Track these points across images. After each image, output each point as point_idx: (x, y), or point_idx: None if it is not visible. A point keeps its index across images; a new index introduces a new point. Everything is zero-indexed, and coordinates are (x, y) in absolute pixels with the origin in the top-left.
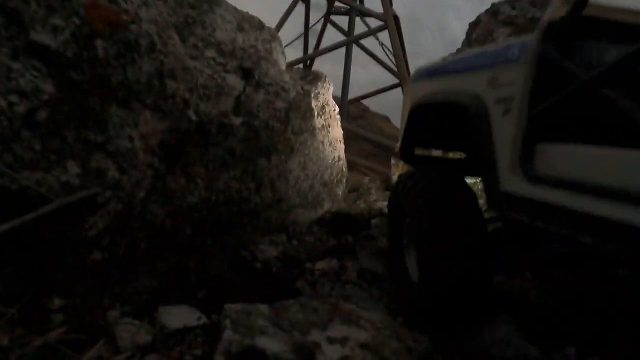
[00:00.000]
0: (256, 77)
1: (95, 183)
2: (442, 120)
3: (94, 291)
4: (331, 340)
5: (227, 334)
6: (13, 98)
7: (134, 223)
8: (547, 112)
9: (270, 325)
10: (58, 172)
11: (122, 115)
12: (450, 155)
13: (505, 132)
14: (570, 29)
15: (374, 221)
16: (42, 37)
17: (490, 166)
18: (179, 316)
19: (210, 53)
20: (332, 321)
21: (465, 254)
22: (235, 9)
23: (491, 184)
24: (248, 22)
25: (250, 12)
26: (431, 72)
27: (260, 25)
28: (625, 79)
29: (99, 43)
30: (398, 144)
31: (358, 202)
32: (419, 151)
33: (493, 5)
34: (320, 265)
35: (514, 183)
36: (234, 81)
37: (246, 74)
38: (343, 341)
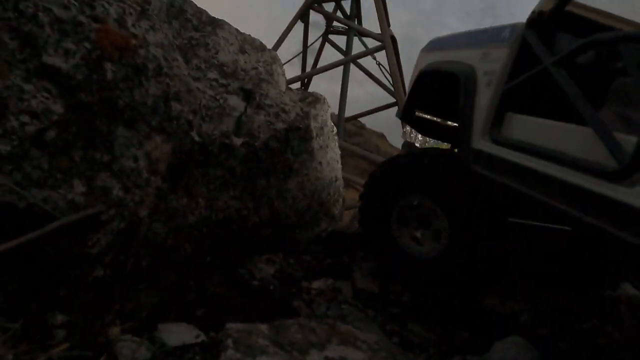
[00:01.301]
0: (257, 99)
1: (99, 201)
2: (440, 88)
3: (95, 307)
4: None
5: (229, 353)
6: (24, 118)
7: (136, 241)
8: (516, 88)
9: (270, 345)
10: (64, 190)
11: (128, 136)
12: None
13: (484, 100)
14: (552, 20)
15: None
16: (54, 60)
17: (467, 128)
18: (179, 334)
19: (212, 74)
20: (330, 342)
21: (491, 229)
22: (237, 31)
23: (465, 142)
24: (250, 44)
25: (250, 29)
26: (441, 44)
27: (261, 47)
28: (574, 67)
29: (108, 66)
30: (401, 106)
31: (354, 221)
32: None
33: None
34: (317, 284)
35: (482, 143)
36: (236, 102)
37: (247, 95)
38: None
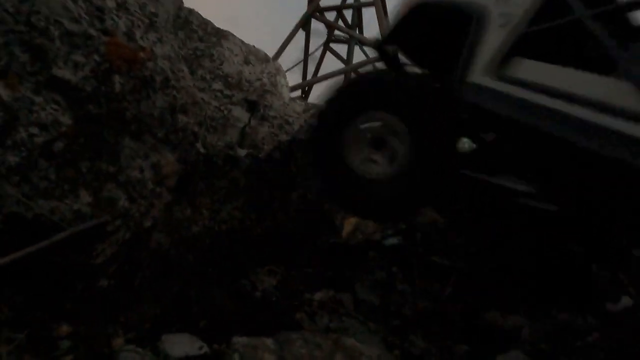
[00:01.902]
0: (261, 110)
1: (105, 212)
2: (433, 27)
3: (100, 318)
4: None
5: None
6: (33, 130)
7: (141, 251)
8: (535, 34)
9: None
10: (71, 200)
11: (134, 147)
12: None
13: (494, 40)
14: None
15: (371, 253)
16: (63, 72)
17: (466, 64)
18: (181, 345)
19: (217, 85)
20: (334, 357)
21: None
22: (242, 42)
23: (459, 77)
24: (254, 55)
25: (251, 36)
26: None
27: (265, 59)
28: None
29: (116, 79)
30: (380, 37)
31: (356, 233)
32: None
33: None
34: (319, 296)
35: (482, 79)
36: (240, 113)
37: (251, 106)
38: None
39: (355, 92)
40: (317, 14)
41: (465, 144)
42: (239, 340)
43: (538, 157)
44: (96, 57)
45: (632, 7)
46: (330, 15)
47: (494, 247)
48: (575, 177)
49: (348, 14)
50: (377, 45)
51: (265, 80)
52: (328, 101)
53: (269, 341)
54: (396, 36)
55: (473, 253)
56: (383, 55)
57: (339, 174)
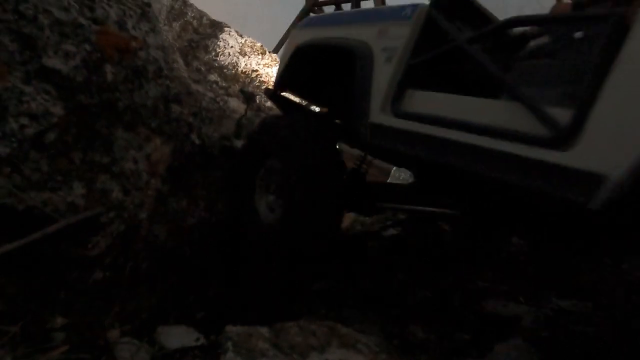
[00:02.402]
0: (257, 101)
1: (99, 204)
2: (319, 67)
3: (95, 310)
4: None
5: (229, 356)
6: (24, 120)
7: (136, 243)
8: (421, 64)
9: (270, 348)
10: (64, 192)
11: (128, 138)
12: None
13: (383, 76)
14: (454, 4)
15: (370, 244)
16: (54, 62)
17: (363, 104)
18: (178, 336)
19: (213, 77)
20: (330, 344)
21: (328, 199)
22: (238, 33)
23: (360, 118)
24: (250, 47)
25: (250, 30)
26: (323, 21)
27: (262, 51)
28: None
29: (108, 68)
30: (271, 84)
31: (354, 224)
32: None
33: None
34: (317, 286)
35: (382, 117)
36: (236, 105)
37: (248, 97)
38: None
39: (257, 139)
40: (316, 8)
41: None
42: (233, 329)
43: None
44: (87, 46)
45: (507, 26)
46: (329, 10)
47: (489, 235)
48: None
49: (346, 8)
50: (268, 93)
51: (261, 71)
52: (243, 145)
53: (263, 329)
54: (287, 79)
55: (469, 242)
56: (275, 100)
57: (251, 223)
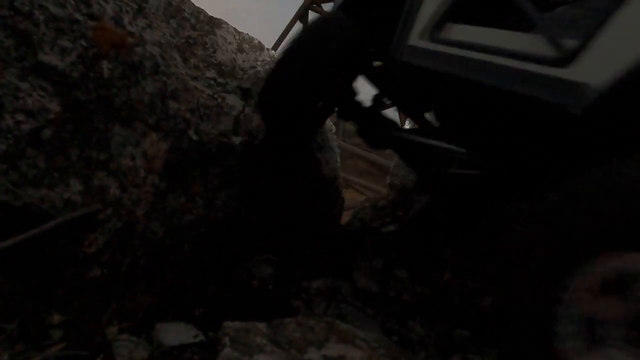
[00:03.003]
0: (255, 98)
1: (96, 200)
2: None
3: (93, 307)
4: (327, 359)
5: (227, 352)
6: (20, 117)
7: (134, 240)
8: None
9: (268, 343)
10: (61, 189)
11: (125, 134)
12: None
13: (428, 8)
14: None
15: (369, 241)
16: (50, 58)
17: (406, 28)
18: (176, 333)
19: (210, 73)
20: (328, 340)
21: None
22: (235, 30)
23: (400, 41)
24: (248, 44)
25: (248, 29)
26: None
27: (260, 47)
28: None
29: (104, 64)
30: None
31: (353, 220)
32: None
33: None
34: (316, 284)
35: (420, 42)
36: (234, 101)
37: (245, 94)
38: (339, 359)
39: None
40: (314, 5)
41: None
42: (230, 325)
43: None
44: (83, 42)
45: None
46: (328, 7)
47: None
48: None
49: None
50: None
51: (259, 68)
52: None
53: (261, 325)
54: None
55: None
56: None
57: None
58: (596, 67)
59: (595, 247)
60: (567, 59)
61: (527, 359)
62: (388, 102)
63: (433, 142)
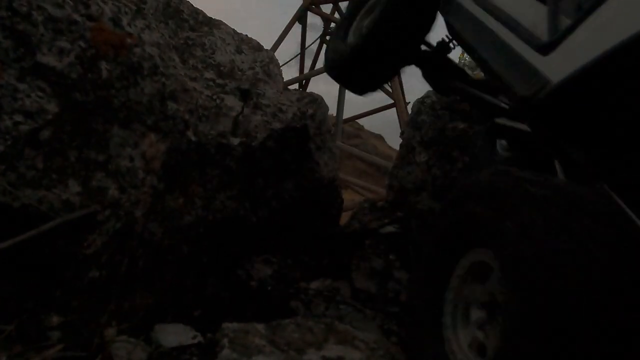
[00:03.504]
0: (254, 99)
1: (95, 201)
2: None
3: (91, 309)
4: None
5: (226, 353)
6: (18, 117)
7: (132, 241)
8: None
9: (267, 344)
10: (59, 190)
11: (123, 135)
12: None
13: None
14: None
15: (367, 242)
16: (48, 59)
17: None
18: (175, 334)
19: (209, 74)
20: (327, 341)
21: None
22: (234, 31)
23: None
24: (247, 44)
25: (247, 31)
26: None
27: (258, 47)
28: None
29: (103, 65)
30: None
31: (352, 221)
32: None
33: None
34: (315, 285)
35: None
36: (232, 102)
37: (244, 95)
38: None
39: None
40: (313, 7)
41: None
42: (229, 326)
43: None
44: (82, 43)
45: None
46: (327, 8)
47: None
48: None
49: (344, 6)
50: None
51: (258, 68)
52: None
53: (260, 326)
54: None
55: None
56: None
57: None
58: (561, 63)
59: (465, 244)
60: (546, 47)
61: (424, 330)
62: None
63: (485, 95)
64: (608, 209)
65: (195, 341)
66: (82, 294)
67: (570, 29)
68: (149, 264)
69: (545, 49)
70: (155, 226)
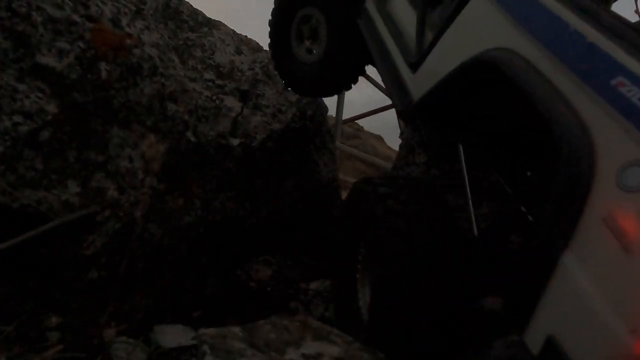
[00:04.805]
0: (253, 99)
1: (94, 202)
2: None
3: (90, 309)
4: (307, 357)
5: None
6: (17, 118)
7: (132, 242)
8: None
9: (247, 347)
10: (59, 191)
11: (123, 136)
12: None
13: None
14: None
15: None
16: (47, 59)
17: None
18: (174, 335)
19: (209, 75)
20: (304, 339)
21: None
22: (234, 32)
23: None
24: (246, 45)
25: (248, 32)
26: None
27: (258, 48)
28: None
29: (102, 66)
30: None
31: None
32: None
33: None
34: (314, 285)
35: (371, 6)
36: (232, 103)
37: (244, 95)
38: (318, 357)
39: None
40: None
41: None
42: (206, 332)
43: None
44: (81, 44)
45: None
46: None
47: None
48: None
49: None
50: None
51: (257, 69)
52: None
53: (236, 329)
54: None
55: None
56: None
57: (292, 67)
58: (421, 83)
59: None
60: (415, 65)
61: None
62: None
63: None
64: (432, 200)
65: (194, 342)
66: (81, 295)
67: (427, 52)
68: (149, 264)
69: (413, 66)
70: (154, 227)
